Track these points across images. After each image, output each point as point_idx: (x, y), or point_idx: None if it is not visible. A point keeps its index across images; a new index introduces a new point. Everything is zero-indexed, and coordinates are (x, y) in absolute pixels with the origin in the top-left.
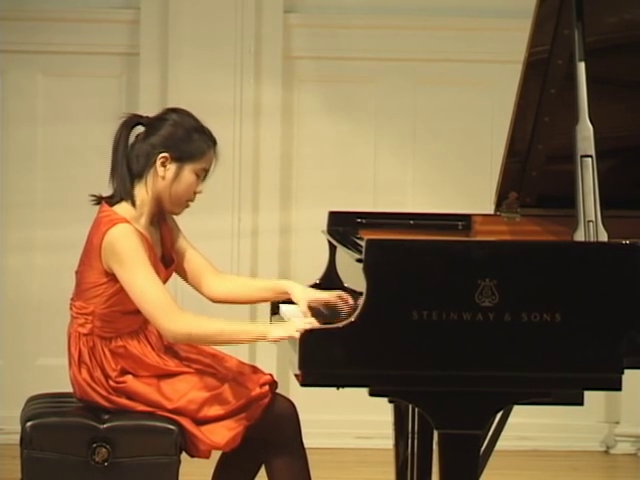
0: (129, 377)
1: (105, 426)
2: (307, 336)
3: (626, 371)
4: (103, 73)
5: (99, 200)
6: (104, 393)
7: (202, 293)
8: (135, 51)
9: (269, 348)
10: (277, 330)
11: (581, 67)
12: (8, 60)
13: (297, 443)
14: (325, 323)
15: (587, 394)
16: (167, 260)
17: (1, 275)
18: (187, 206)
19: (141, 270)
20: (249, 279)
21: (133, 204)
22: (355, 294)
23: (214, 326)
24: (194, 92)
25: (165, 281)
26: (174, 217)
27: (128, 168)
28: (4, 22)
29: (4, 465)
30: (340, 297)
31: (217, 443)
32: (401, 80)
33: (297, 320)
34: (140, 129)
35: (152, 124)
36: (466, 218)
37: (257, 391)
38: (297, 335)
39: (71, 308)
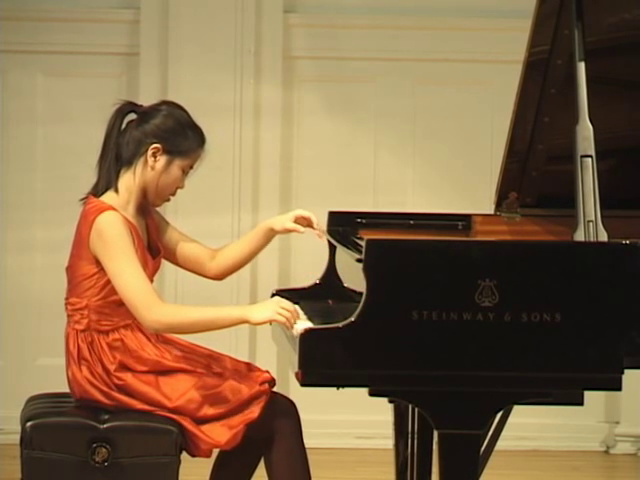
0: (128, 375)
1: (105, 426)
2: (307, 336)
3: (626, 371)
4: (103, 73)
5: (86, 197)
6: (105, 389)
7: (205, 277)
8: (135, 51)
9: (269, 348)
10: (258, 313)
11: (581, 67)
12: (8, 60)
13: (297, 441)
14: (320, 320)
15: (587, 394)
16: (154, 250)
17: (1, 275)
18: (168, 200)
19: (124, 259)
20: (236, 242)
21: (116, 191)
22: (355, 294)
23: (193, 314)
24: (194, 92)
25: (154, 271)
26: (159, 210)
27: (117, 155)
28: (4, 22)
29: (4, 465)
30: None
31: (218, 442)
32: (401, 80)
33: (276, 298)
34: (133, 117)
35: (146, 113)
36: (466, 218)
37: (256, 389)
38: (280, 319)
39: (66, 307)
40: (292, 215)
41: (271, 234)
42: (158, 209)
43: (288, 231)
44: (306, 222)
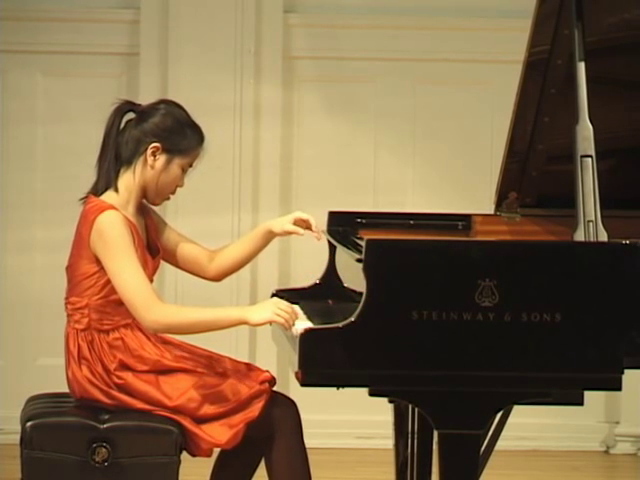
0: (129, 375)
1: (105, 426)
2: (307, 336)
3: (626, 371)
4: (103, 73)
5: (85, 196)
6: (105, 388)
7: (203, 278)
8: (135, 51)
9: (269, 348)
10: (257, 314)
11: (581, 67)
12: (8, 60)
13: (297, 440)
14: (318, 319)
15: (587, 394)
16: (153, 250)
17: (1, 275)
18: (168, 198)
19: (124, 259)
20: (235, 243)
21: (116, 190)
22: (355, 294)
23: (192, 315)
24: (194, 92)
25: (154, 271)
26: (157, 212)
27: (116, 154)
28: (4, 22)
29: (4, 465)
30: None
31: (219, 441)
32: (401, 80)
33: (274, 299)
34: (131, 116)
35: (145, 112)
36: (466, 218)
37: (256, 388)
38: (278, 319)
39: (66, 307)
40: (291, 217)
41: (270, 236)
42: (157, 210)
43: (288, 233)
44: (305, 224)
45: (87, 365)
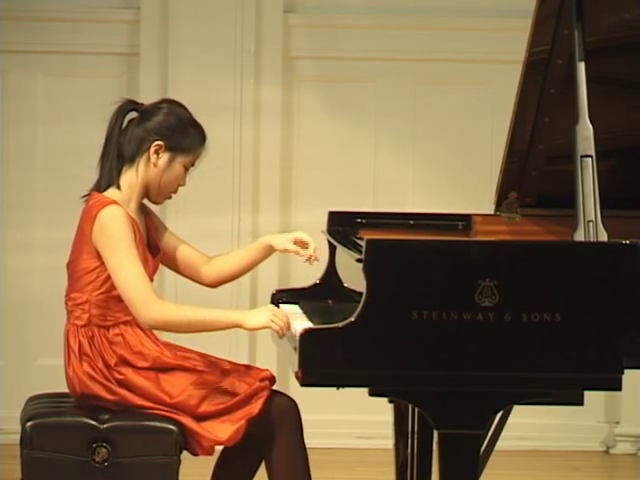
0: (129, 370)
1: (105, 426)
2: (307, 336)
3: (626, 371)
4: (103, 73)
5: (88, 194)
6: (106, 383)
7: (200, 283)
8: (135, 51)
9: (269, 349)
10: (254, 318)
11: (581, 67)
12: (8, 60)
13: (297, 439)
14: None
15: (587, 394)
16: (153, 249)
17: (1, 275)
18: (169, 197)
19: (125, 255)
20: (235, 252)
21: (119, 187)
22: (355, 294)
23: (190, 314)
24: (194, 92)
25: (154, 270)
26: (156, 211)
27: (119, 152)
28: (4, 22)
29: (4, 465)
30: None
31: (220, 438)
32: (401, 80)
33: (270, 306)
34: (134, 115)
35: (147, 111)
36: (466, 218)
37: (257, 385)
38: (273, 326)
39: (66, 303)
40: (293, 237)
41: (270, 250)
42: (156, 210)
43: (287, 252)
44: (303, 247)
45: (88, 361)
